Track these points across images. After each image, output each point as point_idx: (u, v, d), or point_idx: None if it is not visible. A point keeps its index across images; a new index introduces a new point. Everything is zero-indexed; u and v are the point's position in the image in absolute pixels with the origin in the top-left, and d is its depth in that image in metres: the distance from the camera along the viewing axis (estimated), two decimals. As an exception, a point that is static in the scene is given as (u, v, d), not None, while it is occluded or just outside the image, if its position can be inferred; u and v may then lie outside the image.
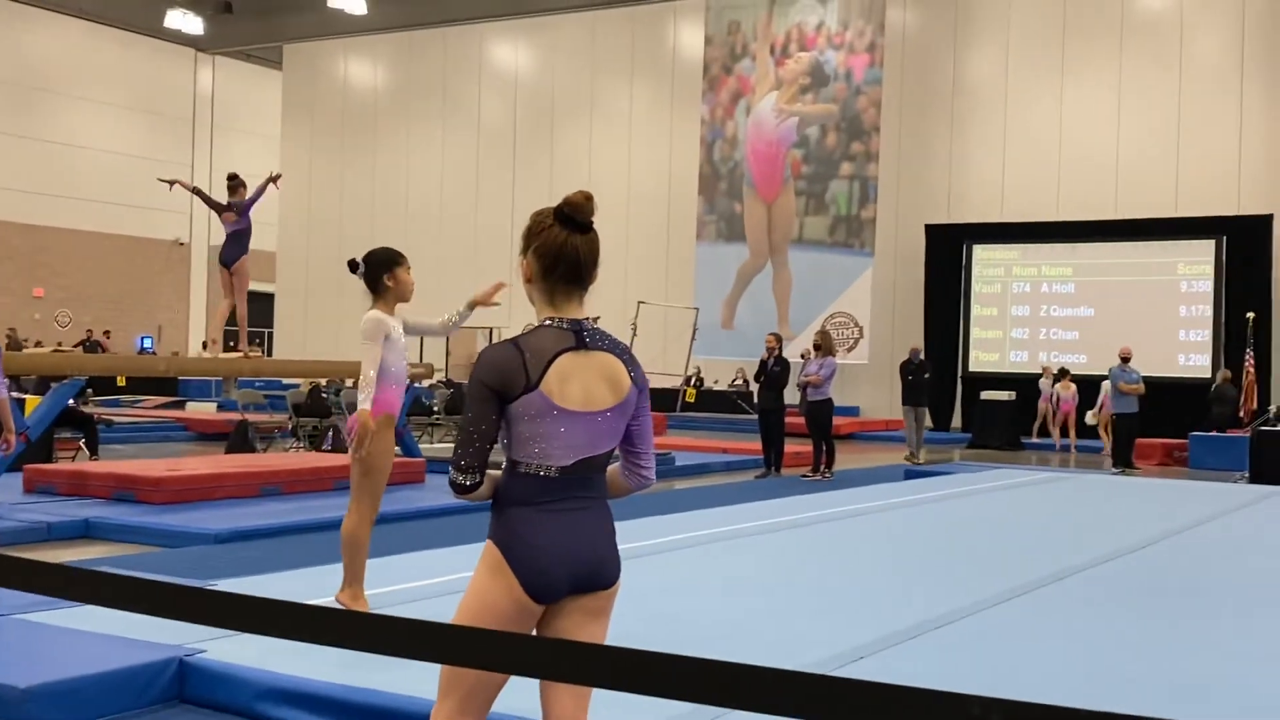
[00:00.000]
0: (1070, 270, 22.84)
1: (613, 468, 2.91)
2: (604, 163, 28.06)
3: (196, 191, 11.92)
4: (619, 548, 2.87)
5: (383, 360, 5.33)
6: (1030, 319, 23.15)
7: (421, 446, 14.30)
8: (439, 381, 20.49)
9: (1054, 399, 20.03)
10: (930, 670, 4.94)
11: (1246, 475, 15.34)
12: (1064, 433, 19.98)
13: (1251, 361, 19.33)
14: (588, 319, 2.82)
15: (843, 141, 25.18)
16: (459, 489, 2.75)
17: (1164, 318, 21.65)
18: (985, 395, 21.49)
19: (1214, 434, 18.28)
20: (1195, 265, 21.70)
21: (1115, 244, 22.26)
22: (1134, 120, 22.83)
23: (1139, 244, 22.09)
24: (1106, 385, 17.83)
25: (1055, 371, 20.45)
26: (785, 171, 25.69)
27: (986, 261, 23.70)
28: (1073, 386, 19.65)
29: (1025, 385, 21.29)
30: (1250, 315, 19.63)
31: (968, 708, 1.46)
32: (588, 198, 2.79)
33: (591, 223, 2.81)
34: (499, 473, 2.78)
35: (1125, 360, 17.02)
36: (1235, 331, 20.24)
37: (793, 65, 25.60)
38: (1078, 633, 5.78)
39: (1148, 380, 17.06)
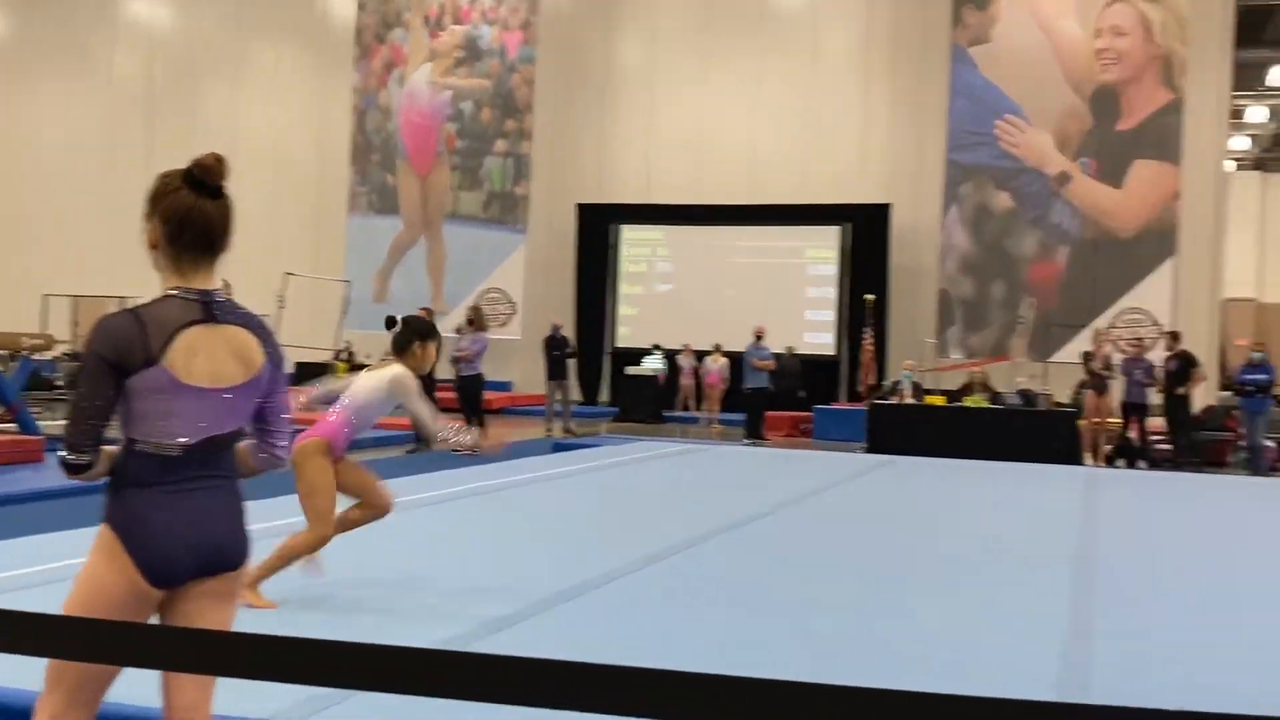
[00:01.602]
0: (711, 251, 23.88)
1: (245, 444, 2.81)
2: (250, 126, 26.88)
3: None
4: (250, 527, 2.77)
5: (368, 408, 5.54)
6: (674, 298, 24.04)
7: (42, 423, 13.27)
8: (63, 355, 19.07)
9: (700, 373, 20.68)
10: (568, 640, 5.06)
11: (865, 445, 16.57)
12: (705, 406, 20.73)
13: (870, 340, 20.85)
14: (218, 290, 2.70)
15: (497, 117, 25.24)
16: (70, 469, 2.58)
17: (793, 298, 23.02)
18: (631, 370, 22.16)
19: (835, 407, 19.64)
20: (822, 250, 23.19)
21: (751, 228, 23.46)
22: (770, 110, 24.07)
23: (773, 229, 23.38)
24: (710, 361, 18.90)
25: (694, 348, 21.14)
26: (439, 145, 25.50)
27: (634, 241, 24.42)
28: (723, 360, 20.15)
29: (669, 360, 22.09)
30: (870, 297, 21.16)
31: (588, 679, 1.50)
32: (219, 160, 2.66)
33: (223, 187, 2.68)
34: (116, 450, 2.62)
35: (759, 338, 17.99)
36: (856, 312, 21.76)
37: (447, 38, 25.42)
38: (712, 597, 6.07)
39: (777, 357, 18.10)
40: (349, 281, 24.60)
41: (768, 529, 8.57)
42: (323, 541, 5.45)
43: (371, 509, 5.69)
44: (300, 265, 23.43)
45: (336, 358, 24.68)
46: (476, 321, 14.58)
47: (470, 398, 14.33)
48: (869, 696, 1.46)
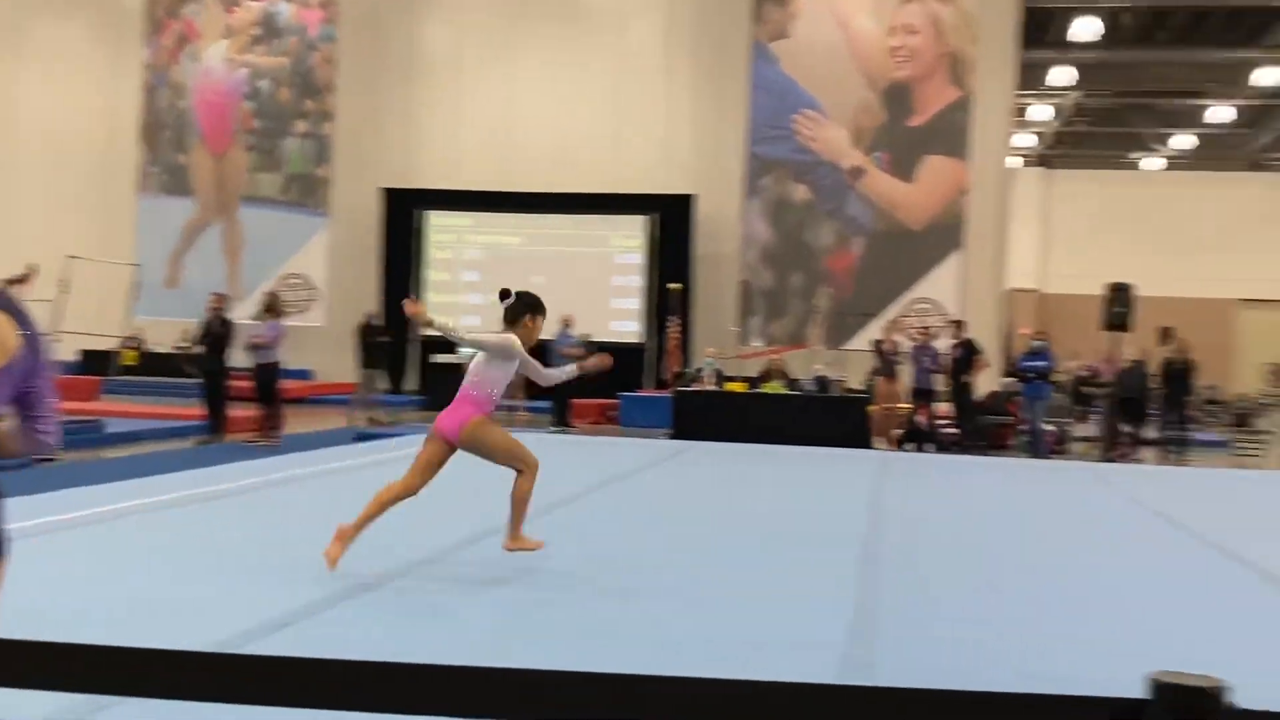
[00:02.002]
0: (519, 239, 23.79)
1: (4, 426, 2.66)
2: (31, 103, 25.48)
3: None
4: (8, 521, 2.63)
5: (498, 377, 6.23)
6: (482, 285, 23.86)
7: None
8: None
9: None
10: (355, 638, 4.98)
11: (670, 431, 16.80)
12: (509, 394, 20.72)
13: (676, 328, 21.13)
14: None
15: (296, 97, 24.58)
16: None
17: (600, 286, 23.15)
18: (437, 358, 21.92)
19: (641, 394, 19.84)
20: (628, 239, 23.37)
21: (560, 216, 23.45)
22: (577, 99, 24.11)
23: (580, 217, 23.43)
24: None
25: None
26: (236, 124, 24.69)
27: (440, 228, 24.13)
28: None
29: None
30: (675, 286, 21.43)
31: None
32: None
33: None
34: None
35: (566, 326, 18.03)
36: (662, 301, 22.00)
37: (243, 14, 24.60)
38: (500, 586, 6.06)
39: (586, 344, 18.14)
40: (139, 265, 23.61)
41: (567, 516, 8.60)
42: (536, 468, 6.32)
43: (527, 473, 6.34)
44: (86, 248, 22.35)
45: (124, 345, 23.68)
46: (273, 308, 14.16)
47: (266, 386, 13.92)
48: (640, 684, 1.48)
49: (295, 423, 15.99)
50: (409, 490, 6.21)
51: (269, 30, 24.59)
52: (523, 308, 6.31)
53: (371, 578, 5.98)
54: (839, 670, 4.68)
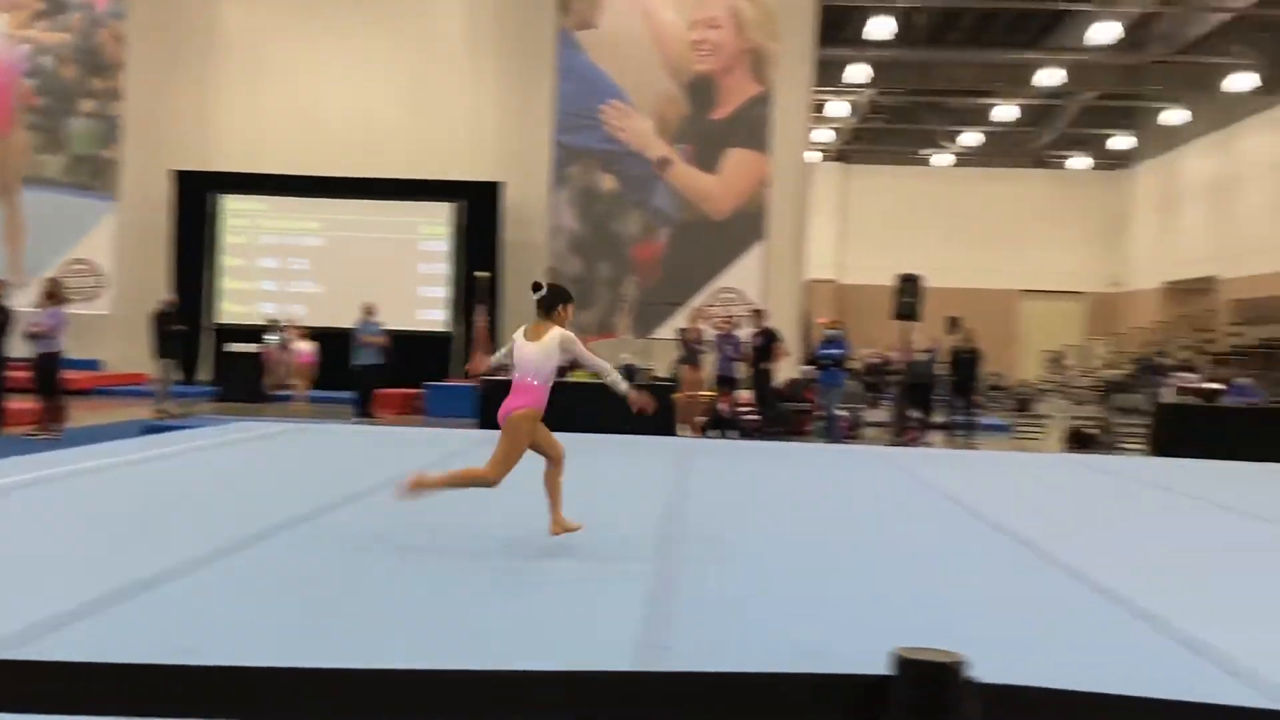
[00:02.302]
0: (319, 225, 23.23)
1: None
2: None
3: None
4: None
5: (551, 371, 6.86)
6: (279, 272, 23.23)
7: None
8: None
9: (288, 351, 19.89)
10: (135, 636, 4.79)
11: (477, 422, 16.67)
12: (299, 384, 20.06)
13: (484, 317, 20.98)
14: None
15: (82, 75, 23.43)
16: None
17: (405, 274, 22.81)
18: (232, 347, 21.24)
19: (447, 384, 19.64)
20: (435, 226, 23.09)
21: (363, 202, 23.00)
22: (382, 84, 23.68)
23: (385, 203, 23.02)
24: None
25: (284, 323, 20.36)
26: (15, 103, 23.39)
27: (236, 212, 23.36)
28: (315, 344, 19.53)
29: (273, 337, 21.34)
30: (483, 274, 21.28)
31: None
32: None
33: None
34: None
35: (369, 314, 17.70)
36: (470, 289, 21.82)
37: (24, -14, 23.32)
38: (302, 581, 5.92)
39: (390, 333, 17.87)
40: (-92, 250, 22.18)
41: (352, 514, 8.45)
42: (491, 484, 6.84)
43: (555, 463, 6.99)
44: None
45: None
46: (54, 294, 13.49)
47: (46, 376, 13.25)
48: (438, 680, 1.47)
49: (80, 415, 15.29)
50: (558, 460, 7.08)
51: (53, 5, 23.38)
52: (556, 298, 6.83)
53: (164, 570, 5.76)
54: (633, 655, 4.73)
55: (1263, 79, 32.48)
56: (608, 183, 22.57)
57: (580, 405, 16.56)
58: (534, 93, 23.13)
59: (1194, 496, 11.06)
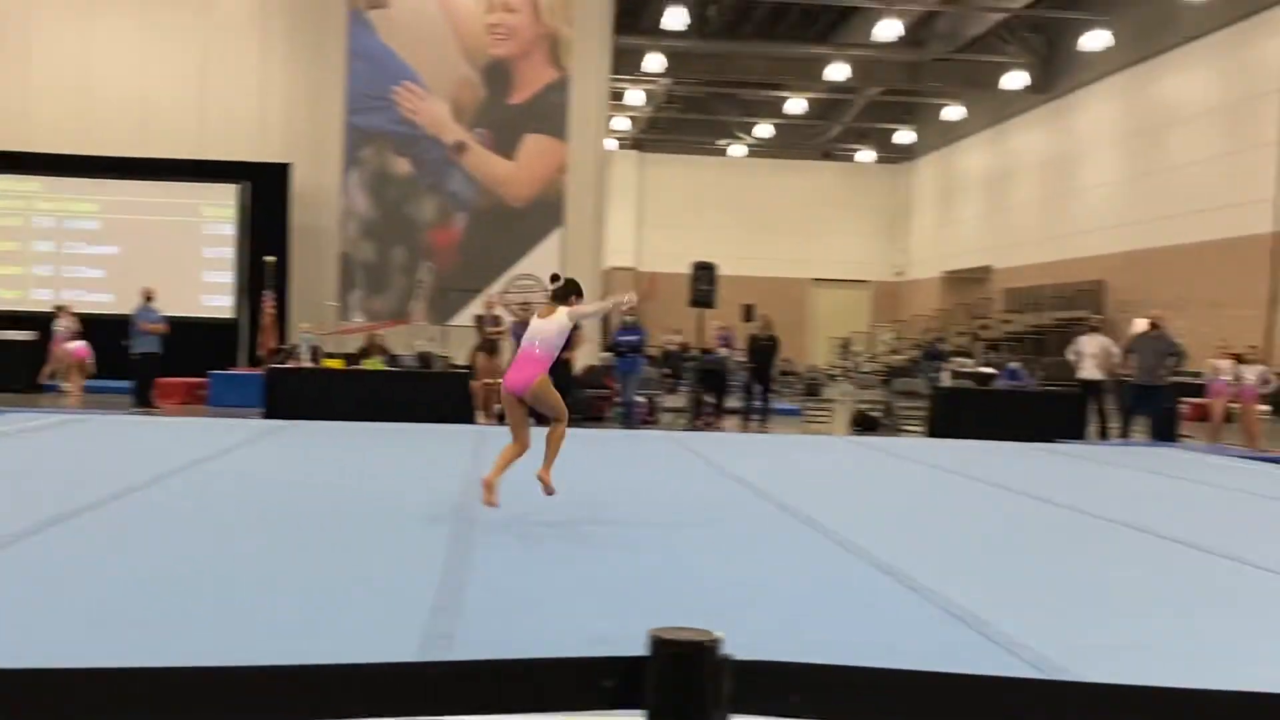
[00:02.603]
0: (96, 206, 22.15)
1: None
2: None
3: None
4: None
5: (558, 342, 7.87)
6: (54, 256, 22.08)
7: None
8: None
9: (65, 339, 18.92)
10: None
11: (263, 410, 16.21)
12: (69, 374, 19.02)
13: (271, 303, 20.40)
14: None
15: None
16: None
17: (188, 258, 21.97)
18: (3, 335, 20.10)
19: (233, 372, 19.03)
20: (219, 209, 22.29)
21: (142, 182, 22.02)
22: (163, 61, 22.72)
23: (166, 184, 22.09)
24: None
25: (60, 310, 19.33)
26: None
27: (7, 193, 22.09)
28: (81, 333, 18.54)
29: (48, 324, 20.26)
30: (270, 259, 20.68)
31: None
32: None
33: None
34: None
35: (148, 299, 17.00)
36: (257, 274, 21.18)
37: None
38: (73, 581, 5.66)
39: (172, 320, 17.20)
40: None
41: (142, 502, 8.14)
42: (567, 418, 8.20)
43: (559, 422, 8.12)
44: None
45: None
46: None
47: None
48: (211, 677, 1.42)
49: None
50: (523, 448, 8.03)
51: None
52: (570, 289, 8.07)
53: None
54: (420, 646, 4.68)
55: (1032, 78, 34.25)
56: (402, 166, 22.23)
57: (376, 394, 16.31)
58: (325, 73, 22.58)
59: (966, 475, 11.61)
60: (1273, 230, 25.91)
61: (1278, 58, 25.79)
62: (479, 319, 17.67)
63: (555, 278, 8.57)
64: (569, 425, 8.23)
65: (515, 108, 22.31)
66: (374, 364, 17.45)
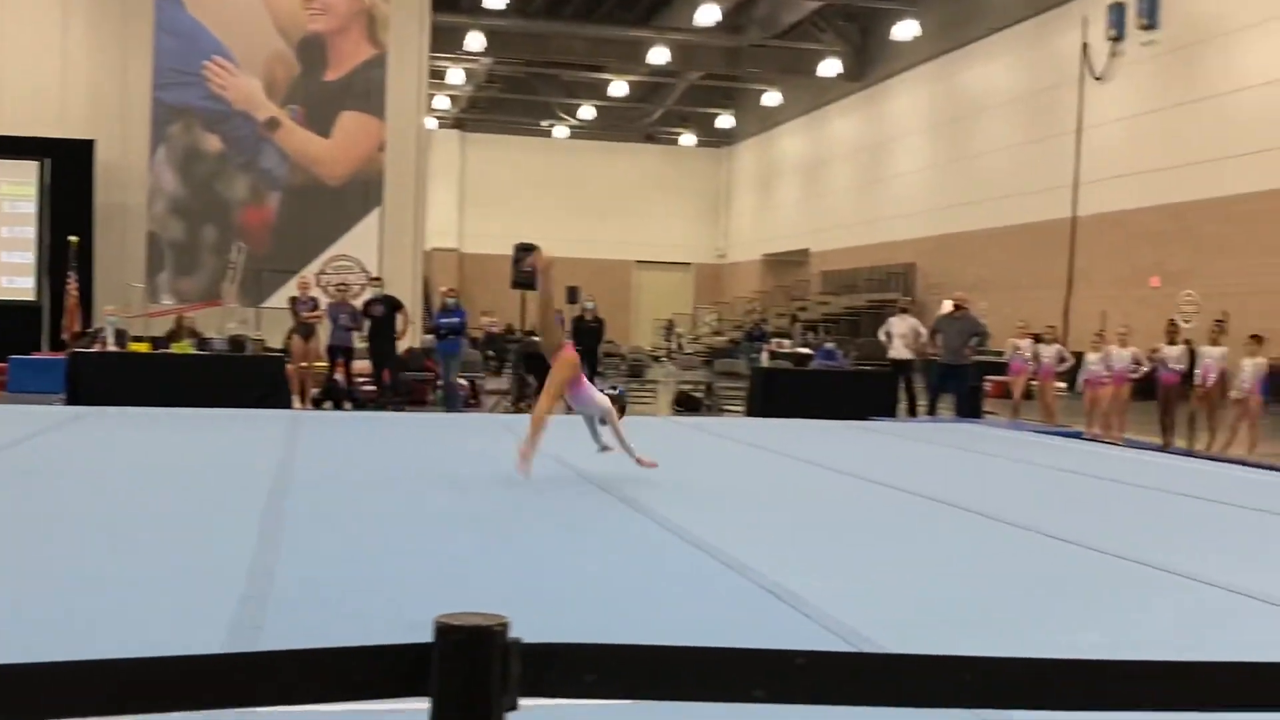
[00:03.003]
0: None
1: None
2: None
3: None
4: None
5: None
6: None
7: None
8: None
9: None
10: None
11: (65, 397, 15.51)
12: None
13: (75, 284, 19.50)
14: None
15: None
16: None
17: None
18: None
19: (34, 356, 18.16)
20: (18, 186, 21.19)
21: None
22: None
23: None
24: None
25: None
26: None
27: None
28: None
29: None
30: (73, 239, 19.77)
31: None
32: None
33: None
34: None
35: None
36: (59, 254, 20.21)
37: None
38: None
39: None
40: None
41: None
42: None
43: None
44: None
45: None
46: None
47: None
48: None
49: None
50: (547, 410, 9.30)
51: None
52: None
53: None
54: (227, 638, 4.55)
55: (847, 66, 35.14)
56: (212, 143, 21.51)
57: (186, 378, 15.76)
58: (130, 46, 21.66)
59: (782, 453, 11.87)
60: (1071, 215, 27.21)
61: (1076, 49, 27.05)
62: (294, 301, 17.22)
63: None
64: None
65: (331, 84, 21.80)
66: (183, 347, 16.87)
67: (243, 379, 15.99)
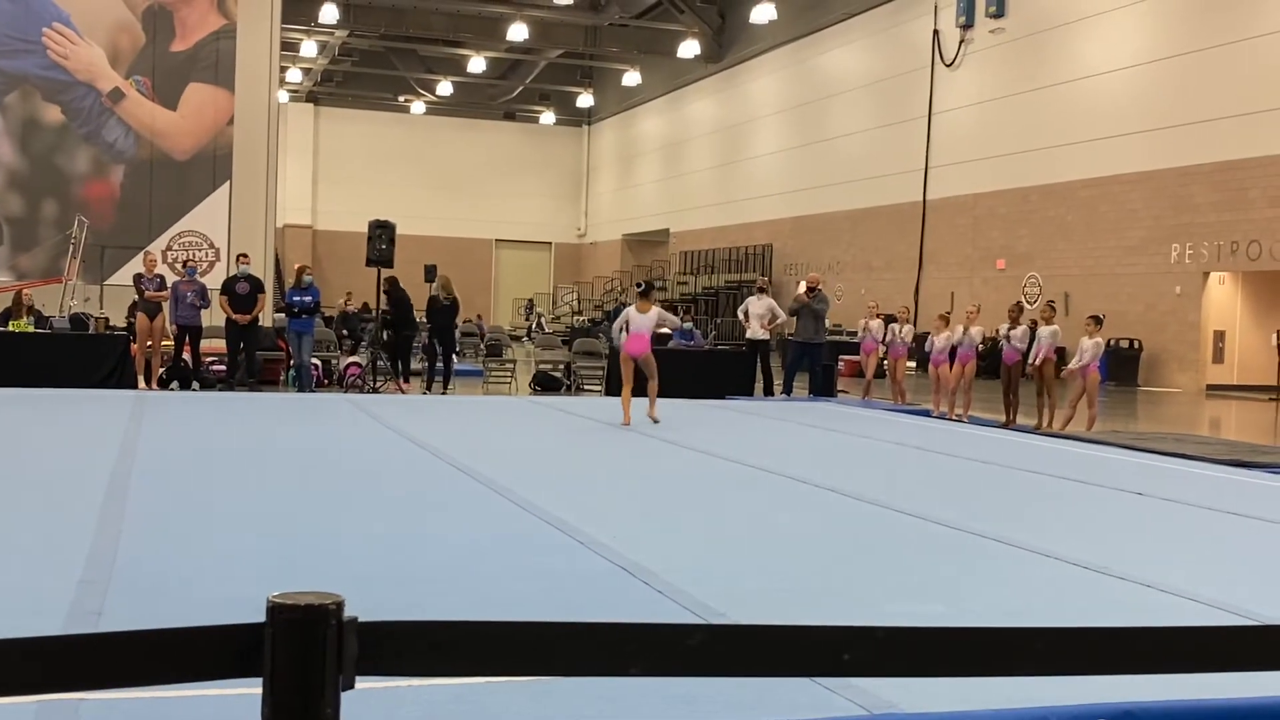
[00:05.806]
0: None
1: None
2: None
3: None
4: None
5: (649, 329, 12.28)
6: None
7: None
8: None
9: None
10: None
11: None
12: None
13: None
14: None
15: None
16: None
17: None
18: None
19: None
20: None
21: None
22: None
23: None
24: None
25: None
26: None
27: None
28: None
29: None
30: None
31: None
32: None
33: None
34: None
35: None
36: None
37: None
38: None
39: None
40: None
41: None
42: (657, 374, 12.41)
43: (652, 377, 12.37)
44: None
45: None
46: None
47: None
48: None
49: None
50: (632, 389, 12.23)
51: None
52: (649, 289, 13.07)
53: None
54: (65, 623, 4.42)
55: (705, 48, 35.40)
56: (52, 114, 20.67)
57: (22, 358, 15.14)
58: (-39, 9, 20.64)
59: (638, 431, 11.96)
60: (922, 199, 27.91)
61: (928, 36, 27.70)
62: (139, 278, 16.64)
63: (639, 284, 13.42)
64: None
65: (178, 55, 21.12)
66: (22, 326, 16.19)
67: (86, 359, 15.44)
